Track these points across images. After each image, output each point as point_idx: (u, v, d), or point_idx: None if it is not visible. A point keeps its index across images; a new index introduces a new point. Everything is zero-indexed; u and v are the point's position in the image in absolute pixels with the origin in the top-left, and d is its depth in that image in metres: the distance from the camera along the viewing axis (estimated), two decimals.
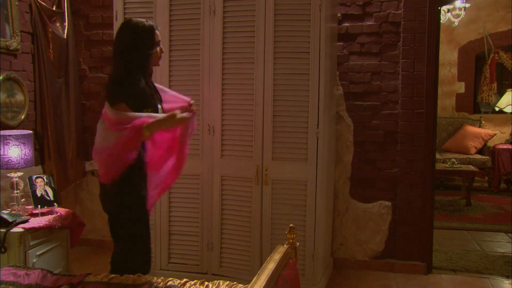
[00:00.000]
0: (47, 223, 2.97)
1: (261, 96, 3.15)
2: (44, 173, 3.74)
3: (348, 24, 3.69)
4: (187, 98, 2.72)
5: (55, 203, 3.20)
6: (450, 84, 7.45)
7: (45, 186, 3.20)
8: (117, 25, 3.26)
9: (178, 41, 3.29)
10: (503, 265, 3.87)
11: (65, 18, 3.98)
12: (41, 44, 3.71)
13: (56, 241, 3.13)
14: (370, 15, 3.66)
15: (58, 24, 3.93)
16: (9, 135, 3.04)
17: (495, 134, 7.05)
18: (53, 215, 3.08)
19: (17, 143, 3.04)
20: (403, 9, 3.60)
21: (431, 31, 3.56)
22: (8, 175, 3.10)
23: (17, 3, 3.50)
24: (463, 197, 6.03)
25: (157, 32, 2.52)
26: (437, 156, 6.42)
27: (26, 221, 2.92)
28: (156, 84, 2.68)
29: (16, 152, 3.04)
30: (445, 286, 3.51)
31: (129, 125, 2.30)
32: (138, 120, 2.31)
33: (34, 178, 3.18)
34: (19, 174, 3.12)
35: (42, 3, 3.75)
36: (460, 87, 7.46)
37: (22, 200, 3.14)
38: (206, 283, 2.15)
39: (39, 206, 3.11)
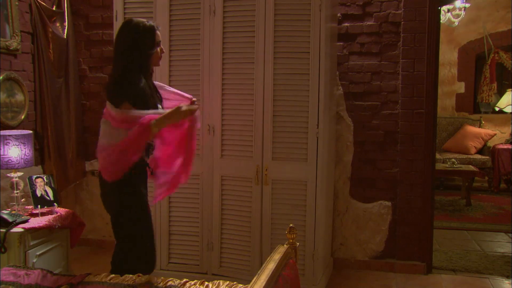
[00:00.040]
0: (47, 223, 2.97)
1: (261, 96, 3.15)
2: (44, 173, 3.74)
3: (348, 24, 3.70)
4: (188, 95, 2.72)
5: (55, 203, 3.20)
6: (450, 84, 7.45)
7: (45, 186, 3.20)
8: (117, 25, 3.26)
9: (178, 41, 3.29)
10: (503, 265, 3.87)
11: (65, 18, 3.98)
12: (41, 44, 3.71)
13: (56, 241, 3.13)
14: (370, 15, 3.66)
15: (58, 24, 3.93)
16: (9, 135, 3.04)
17: (495, 134, 7.05)
18: (53, 215, 3.08)
19: (17, 143, 3.04)
20: (403, 9, 3.60)
21: (431, 31, 3.56)
22: (8, 175, 3.10)
23: (17, 3, 3.50)
24: (463, 197, 6.03)
25: (158, 32, 2.52)
26: (437, 156, 6.42)
27: (26, 221, 2.92)
28: (155, 82, 2.69)
29: (16, 152, 3.04)
30: (445, 286, 3.51)
31: (137, 122, 2.31)
32: (146, 117, 2.32)
33: (34, 178, 3.18)
34: (19, 174, 3.12)
35: (42, 3, 3.75)
36: (460, 87, 7.46)
37: (22, 200, 3.14)
38: (206, 283, 2.14)
39: (39, 206, 3.11)
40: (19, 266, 2.41)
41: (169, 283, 2.17)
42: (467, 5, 6.06)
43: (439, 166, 5.87)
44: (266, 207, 3.20)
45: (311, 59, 3.05)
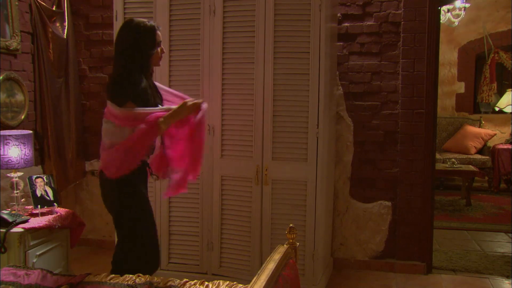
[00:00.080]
0: (47, 223, 2.97)
1: (261, 96, 3.15)
2: (44, 173, 3.74)
3: (348, 24, 3.70)
4: (186, 97, 2.73)
5: (55, 203, 3.20)
6: (450, 84, 7.45)
7: (45, 186, 3.20)
8: (117, 25, 3.26)
9: (178, 41, 3.29)
10: (503, 265, 3.87)
11: (65, 18, 3.98)
12: (41, 44, 3.71)
13: (56, 241, 3.13)
14: (370, 15, 3.66)
15: (58, 24, 3.93)
16: (9, 135, 3.04)
17: (495, 134, 7.05)
18: (53, 215, 3.08)
19: (17, 143, 3.04)
20: (403, 9, 3.60)
21: (431, 31, 3.56)
22: (8, 175, 3.10)
23: (17, 3, 3.50)
24: (463, 197, 6.03)
25: (159, 32, 2.52)
26: (437, 156, 6.42)
27: (26, 221, 2.92)
28: (155, 83, 2.69)
29: (16, 152, 3.04)
30: (445, 286, 3.51)
31: (143, 120, 2.33)
32: (152, 115, 2.34)
33: (34, 178, 3.18)
34: (19, 174, 3.12)
35: (42, 3, 3.75)
36: (460, 87, 7.46)
37: (22, 200, 3.14)
38: (206, 283, 2.14)
39: (39, 206, 3.10)
40: (19, 266, 2.41)
41: (169, 283, 2.17)
42: (467, 5, 6.06)
43: (439, 166, 5.87)
44: (266, 207, 3.20)
45: (311, 59, 3.05)
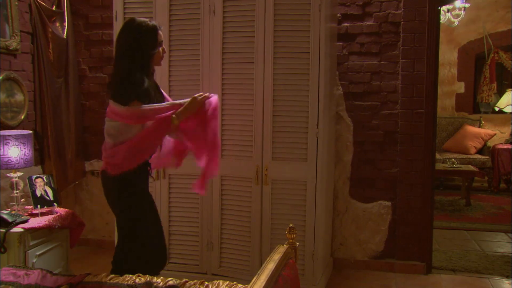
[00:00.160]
0: (47, 223, 2.97)
1: (261, 96, 3.15)
2: (44, 173, 3.74)
3: (348, 24, 3.69)
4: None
5: (55, 203, 3.20)
6: (450, 84, 7.45)
7: (45, 186, 3.20)
8: (117, 25, 3.26)
9: (178, 41, 3.29)
10: (503, 265, 3.87)
11: (64, 18, 3.98)
12: (41, 44, 3.71)
13: (56, 241, 3.13)
14: (370, 15, 3.66)
15: (57, 24, 3.93)
16: (9, 135, 3.04)
17: (495, 134, 7.05)
18: (53, 215, 3.08)
19: (17, 143, 3.04)
20: (403, 9, 3.60)
21: (431, 31, 3.56)
22: (8, 175, 3.10)
23: (16, 3, 3.50)
24: (463, 197, 6.03)
25: (160, 32, 2.53)
26: (437, 156, 6.42)
27: (26, 221, 2.92)
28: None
29: (16, 152, 3.03)
30: (444, 286, 3.51)
31: (153, 117, 2.38)
32: (164, 112, 2.39)
33: (34, 178, 3.17)
34: (19, 174, 3.11)
35: (42, 3, 3.75)
36: (460, 87, 7.46)
37: (22, 200, 3.13)
38: (206, 283, 2.14)
39: (38, 206, 3.10)
40: (19, 266, 2.41)
41: (169, 283, 2.17)
42: (467, 5, 6.06)
43: (439, 166, 5.87)
44: (266, 207, 3.20)
45: (311, 59, 3.05)
